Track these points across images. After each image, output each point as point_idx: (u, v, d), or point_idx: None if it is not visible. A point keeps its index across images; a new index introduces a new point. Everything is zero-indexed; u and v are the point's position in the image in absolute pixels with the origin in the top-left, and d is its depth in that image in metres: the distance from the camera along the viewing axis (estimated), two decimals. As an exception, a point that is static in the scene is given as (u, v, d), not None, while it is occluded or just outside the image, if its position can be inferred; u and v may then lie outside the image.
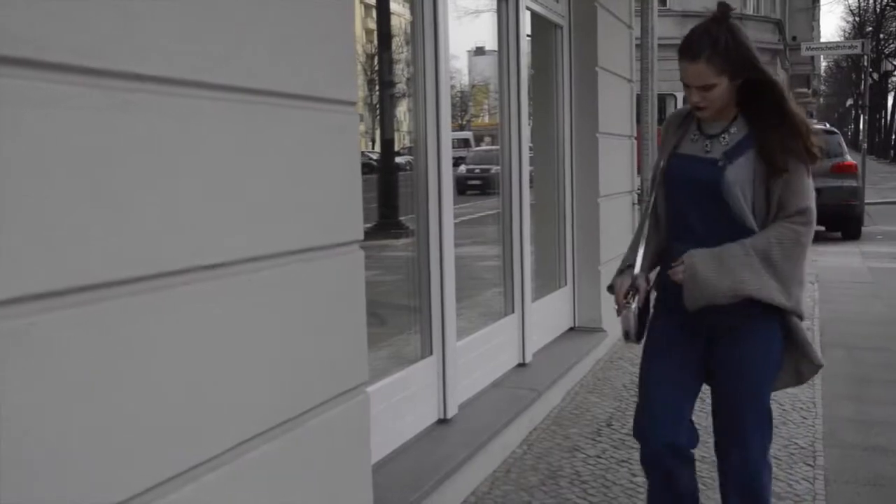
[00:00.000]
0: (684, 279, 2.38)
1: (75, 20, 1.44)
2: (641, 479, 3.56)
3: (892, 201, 20.04)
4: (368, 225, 2.44)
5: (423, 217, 3.72)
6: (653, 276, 2.65)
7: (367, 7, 4.41)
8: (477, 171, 8.49)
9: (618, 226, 6.18)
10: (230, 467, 1.84)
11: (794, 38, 34.29)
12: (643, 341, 2.63)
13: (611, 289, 2.66)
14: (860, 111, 38.79)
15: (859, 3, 52.44)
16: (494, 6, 4.68)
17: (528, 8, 4.90)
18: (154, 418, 1.64)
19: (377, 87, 4.33)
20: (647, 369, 2.61)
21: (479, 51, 5.77)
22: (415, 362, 3.67)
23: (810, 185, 2.42)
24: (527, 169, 4.83)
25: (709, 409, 2.68)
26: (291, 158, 2.05)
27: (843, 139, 13.16)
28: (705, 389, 2.66)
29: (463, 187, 7.95)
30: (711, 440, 2.70)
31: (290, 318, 2.05)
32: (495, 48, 4.74)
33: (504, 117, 4.72)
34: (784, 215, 2.36)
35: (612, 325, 5.50)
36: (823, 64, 61.84)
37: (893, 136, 51.20)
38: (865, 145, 19.22)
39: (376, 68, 4.37)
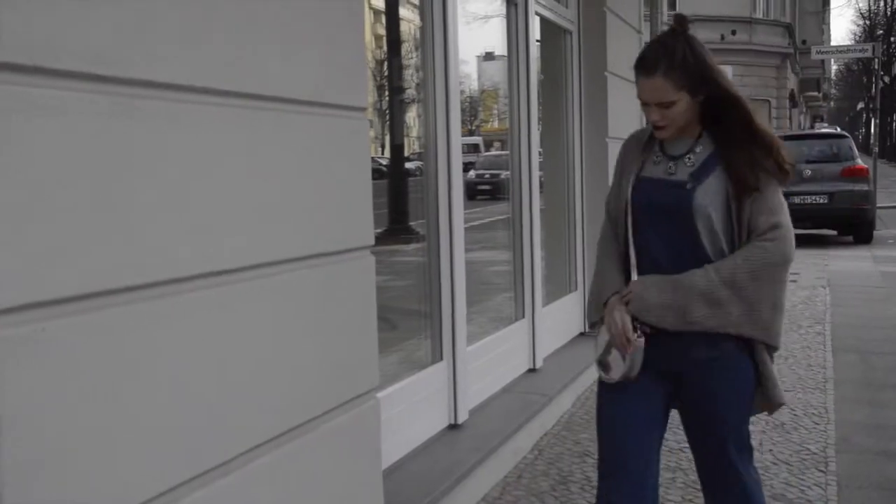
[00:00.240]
0: (633, 293, 2.22)
1: (84, 27, 1.45)
2: (653, 485, 3.55)
3: (904, 205, 19.94)
4: (378, 230, 2.44)
5: (433, 222, 3.72)
6: None
7: (377, 13, 4.41)
8: (487, 176, 8.48)
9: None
10: (241, 472, 1.84)
11: (804, 42, 34.19)
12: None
13: (594, 324, 2.40)
14: (871, 115, 38.61)
15: (870, 6, 52.30)
16: (503, 11, 4.68)
17: (537, 13, 4.90)
18: (164, 423, 1.64)
19: (386, 93, 4.34)
20: (610, 417, 2.32)
21: (489, 56, 5.77)
22: (425, 367, 3.67)
23: (782, 201, 2.24)
24: (536, 174, 4.82)
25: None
26: (301, 164, 2.05)
27: (853, 143, 13.11)
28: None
29: (473, 192, 7.95)
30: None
31: (300, 323, 2.05)
32: (504, 53, 4.75)
33: (514, 122, 4.72)
34: (756, 235, 2.18)
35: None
36: (834, 67, 61.66)
37: (905, 140, 50.97)
38: (876, 149, 19.15)
39: (385, 74, 4.38)
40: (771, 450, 3.97)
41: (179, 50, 1.67)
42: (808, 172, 12.25)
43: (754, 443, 3.98)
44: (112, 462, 1.52)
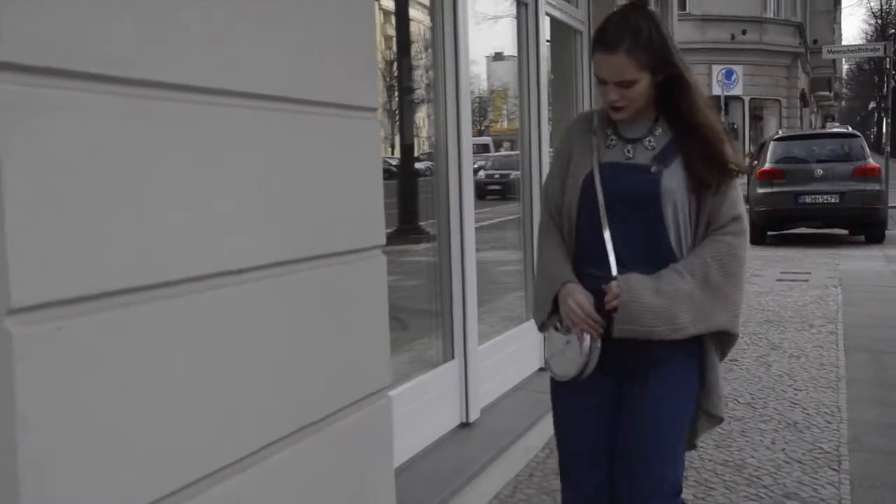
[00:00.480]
0: (621, 302, 2.03)
1: (100, 29, 1.47)
2: (664, 484, 3.55)
3: (916, 204, 19.82)
4: (389, 230, 2.45)
5: (444, 222, 3.73)
6: None
7: (386, 14, 4.42)
8: (497, 176, 8.48)
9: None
10: (255, 470, 1.85)
11: (815, 42, 34.06)
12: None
13: (543, 324, 2.21)
14: (882, 114, 38.45)
15: (881, 5, 52.04)
16: (514, 12, 4.69)
17: (547, 13, 4.91)
18: (179, 421, 1.65)
19: (396, 93, 4.35)
20: (565, 427, 2.26)
21: (498, 56, 5.77)
22: (436, 366, 3.68)
23: (739, 193, 2.15)
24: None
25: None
26: (314, 164, 2.06)
27: (865, 142, 13.05)
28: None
29: (483, 192, 7.95)
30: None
31: (313, 322, 2.06)
32: (514, 54, 4.75)
33: (524, 122, 4.72)
34: (714, 228, 2.08)
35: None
36: (845, 67, 61.38)
37: (917, 139, 50.67)
38: (888, 148, 19.10)
39: (395, 74, 4.39)
40: (783, 448, 3.96)
41: (194, 51, 1.68)
42: (819, 172, 12.20)
43: (767, 441, 4.01)
44: (127, 460, 1.53)
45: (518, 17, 4.68)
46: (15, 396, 1.32)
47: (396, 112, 4.41)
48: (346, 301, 2.20)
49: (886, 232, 12.94)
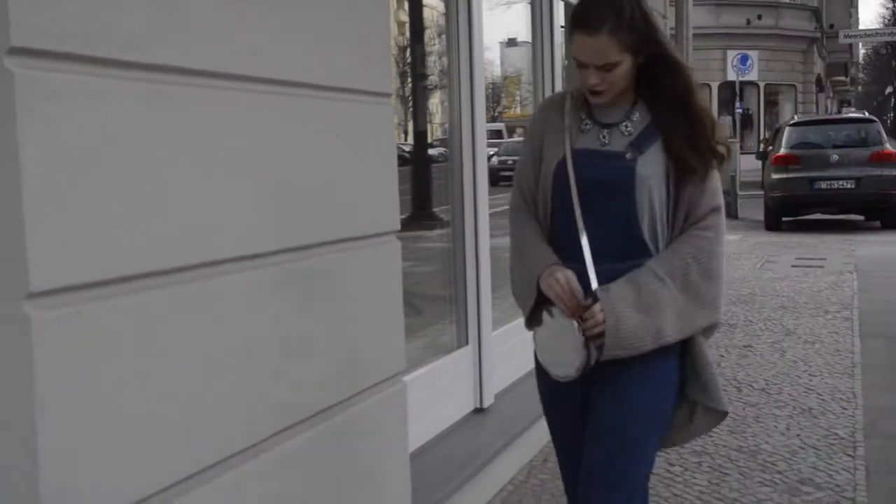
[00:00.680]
0: (607, 329, 1.88)
1: (115, 14, 1.47)
2: (679, 468, 3.55)
3: (933, 190, 19.63)
4: (402, 216, 2.46)
5: (458, 208, 3.73)
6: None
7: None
8: (510, 162, 8.46)
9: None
10: (270, 454, 1.86)
11: (831, 26, 33.74)
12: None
13: (531, 319, 2.05)
14: (900, 98, 38.07)
15: (899, -12, 51.45)
16: (528, -3, 4.67)
17: (561, -2, 4.88)
18: (196, 406, 1.66)
19: (409, 79, 4.34)
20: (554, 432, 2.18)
21: (512, 42, 5.75)
22: (451, 352, 3.69)
23: (719, 185, 2.01)
24: (560, 159, 4.80)
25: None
26: (328, 149, 2.06)
27: (882, 127, 12.92)
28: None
29: (496, 178, 7.92)
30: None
31: (328, 307, 2.07)
32: (528, 39, 4.73)
33: (538, 108, 4.70)
34: (693, 221, 1.95)
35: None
36: (862, 51, 60.83)
37: (934, 124, 50.23)
38: (905, 133, 18.87)
39: (408, 60, 4.38)
40: (798, 434, 3.95)
41: (209, 36, 1.68)
42: (834, 157, 12.10)
43: (782, 427, 4.00)
44: (143, 443, 1.55)
45: (532, 3, 4.66)
46: (34, 379, 1.33)
47: (410, 98, 4.40)
48: (360, 287, 2.20)
49: (903, 218, 12.83)
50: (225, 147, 1.74)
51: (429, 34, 4.19)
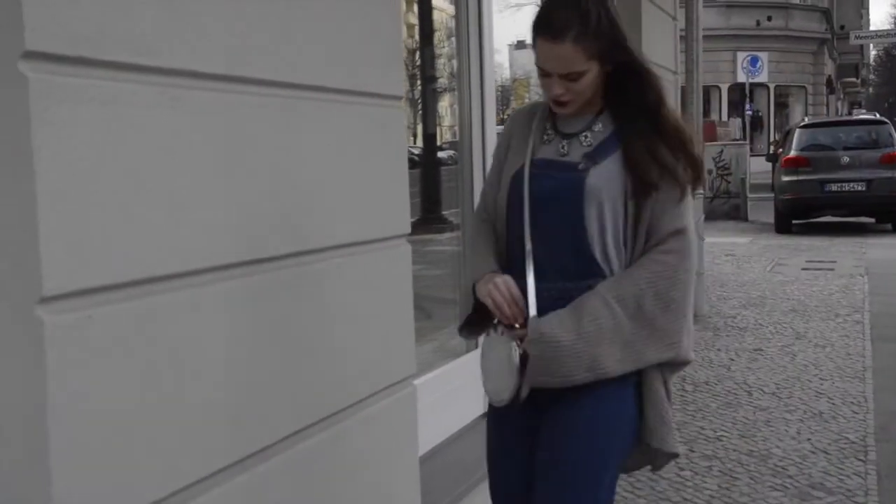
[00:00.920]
0: (531, 354, 1.75)
1: (127, 18, 1.47)
2: (689, 473, 3.54)
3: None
4: (412, 219, 2.46)
5: (468, 211, 3.72)
6: None
7: (409, 2, 4.42)
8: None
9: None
10: (282, 458, 1.86)
11: (842, 27, 33.64)
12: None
13: (463, 313, 1.94)
14: (911, 100, 37.92)
15: (910, -11, 51.17)
16: (537, -1, 4.66)
17: (570, 0, 4.87)
18: (207, 409, 1.67)
19: (419, 82, 4.34)
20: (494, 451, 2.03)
21: (521, 44, 5.75)
22: (460, 356, 3.69)
23: (688, 206, 1.83)
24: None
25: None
26: (339, 152, 2.07)
27: (893, 129, 12.87)
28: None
29: (505, 181, 7.89)
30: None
31: (338, 310, 2.07)
32: (538, 41, 4.72)
33: (547, 110, 4.69)
34: (654, 243, 1.78)
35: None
36: (873, 53, 60.59)
37: (946, 126, 49.92)
38: (917, 135, 18.77)
39: (418, 63, 4.38)
40: (809, 439, 3.94)
41: (221, 40, 1.69)
42: (845, 159, 12.07)
43: (792, 431, 3.98)
44: (155, 447, 1.55)
45: (541, 5, 4.65)
46: (46, 383, 1.33)
47: (419, 101, 4.41)
48: (370, 290, 2.20)
49: (914, 220, 12.77)
50: (237, 150, 1.74)
51: (438, 37, 4.19)
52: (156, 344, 1.54)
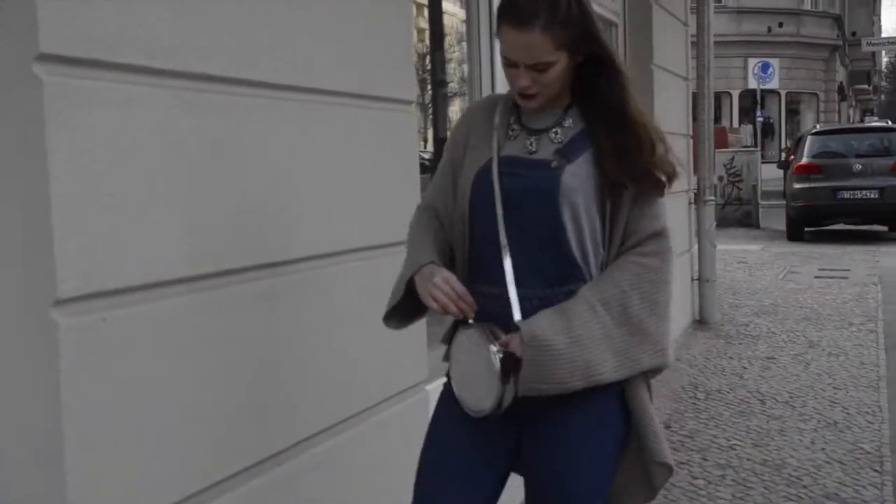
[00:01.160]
0: (525, 359, 1.59)
1: (142, 21, 1.47)
2: (702, 482, 3.51)
3: (957, 200, 19.41)
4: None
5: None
6: None
7: (419, 6, 4.42)
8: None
9: (674, 225, 6.10)
10: (296, 462, 1.86)
11: (853, 34, 33.53)
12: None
13: (391, 304, 1.78)
14: (923, 108, 37.77)
15: (922, -4, 50.99)
16: (549, 4, 4.65)
17: (583, 6, 4.86)
18: (221, 413, 1.66)
19: (429, 87, 4.34)
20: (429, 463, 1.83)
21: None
22: (471, 362, 3.67)
23: (663, 206, 1.76)
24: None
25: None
26: (350, 157, 2.06)
27: (906, 136, 12.81)
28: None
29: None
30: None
31: (350, 315, 2.06)
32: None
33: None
34: (632, 245, 1.70)
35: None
36: (885, 59, 60.38)
37: (958, 133, 49.67)
38: (929, 143, 18.68)
39: (428, 67, 4.38)
40: (823, 448, 3.90)
41: (232, 44, 1.68)
42: (857, 167, 12.00)
43: (807, 440, 3.95)
44: (171, 450, 1.54)
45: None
46: (60, 385, 1.33)
47: (429, 105, 4.40)
48: (382, 294, 2.19)
49: (927, 228, 12.71)
50: (247, 154, 1.73)
51: (449, 41, 4.19)
52: (169, 347, 1.54)
